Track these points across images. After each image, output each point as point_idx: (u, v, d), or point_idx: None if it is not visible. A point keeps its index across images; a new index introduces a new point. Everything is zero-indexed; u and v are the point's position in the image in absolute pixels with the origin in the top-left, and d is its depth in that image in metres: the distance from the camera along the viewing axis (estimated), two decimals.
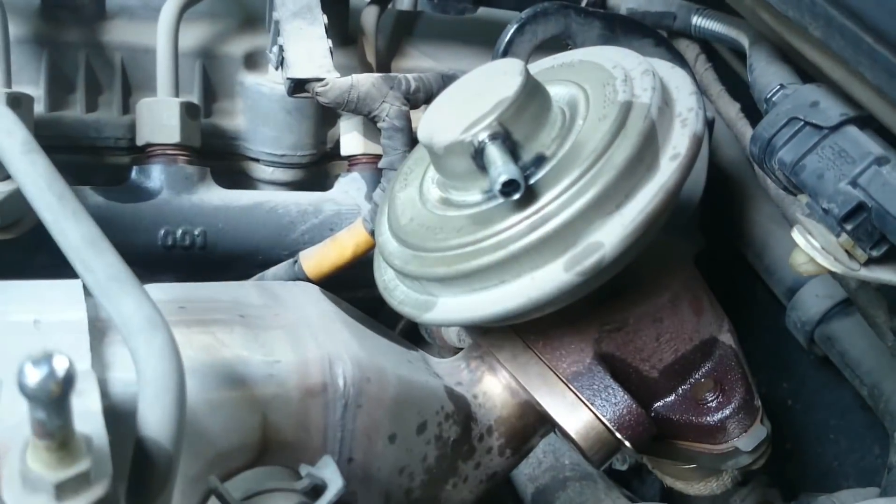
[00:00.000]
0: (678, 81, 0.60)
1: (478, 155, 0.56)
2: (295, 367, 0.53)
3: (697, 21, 0.94)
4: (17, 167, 0.51)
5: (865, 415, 0.95)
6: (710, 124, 0.96)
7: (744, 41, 0.81)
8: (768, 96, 0.65)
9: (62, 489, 0.38)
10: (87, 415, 0.41)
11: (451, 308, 0.57)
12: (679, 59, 0.88)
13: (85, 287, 0.52)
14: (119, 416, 0.44)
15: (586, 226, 0.53)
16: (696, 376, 0.65)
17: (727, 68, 1.01)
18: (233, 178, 0.86)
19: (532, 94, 0.57)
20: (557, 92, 0.61)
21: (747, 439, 0.63)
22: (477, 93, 0.59)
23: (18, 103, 0.72)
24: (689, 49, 0.98)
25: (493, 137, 0.55)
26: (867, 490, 0.95)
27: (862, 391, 0.92)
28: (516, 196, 0.52)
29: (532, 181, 0.56)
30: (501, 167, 0.53)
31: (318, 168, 0.89)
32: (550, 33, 0.80)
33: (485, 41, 0.91)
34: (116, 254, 0.49)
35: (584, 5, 0.92)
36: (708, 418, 0.64)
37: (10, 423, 0.41)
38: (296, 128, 0.85)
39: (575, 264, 0.53)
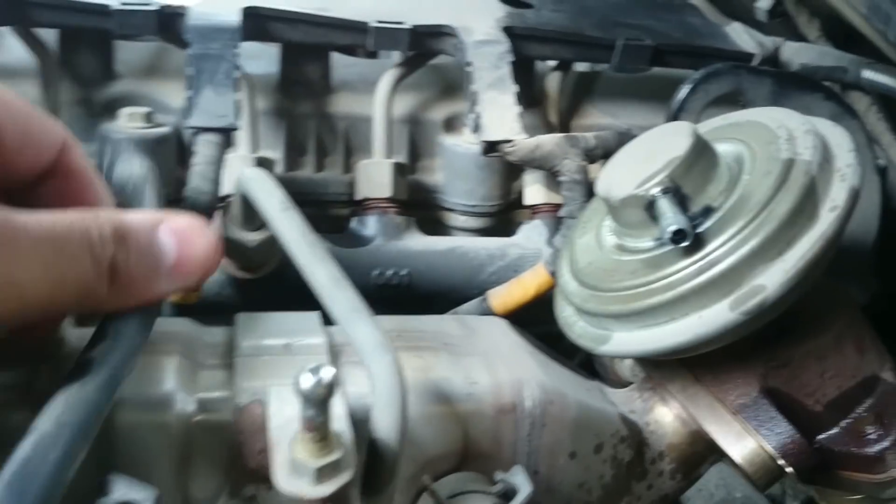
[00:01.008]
0: (838, 139, 0.66)
1: (650, 207, 0.64)
2: (490, 388, 0.63)
3: (867, 74, 0.98)
4: (277, 222, 0.65)
5: None
6: (883, 171, 0.98)
7: None
8: None
9: (321, 473, 0.49)
10: (337, 417, 0.52)
11: (625, 342, 0.65)
12: (849, 111, 0.91)
13: (323, 317, 0.65)
14: (353, 423, 0.54)
15: (750, 270, 0.60)
16: (859, 411, 0.69)
17: None
18: (432, 226, 0.98)
19: (700, 153, 0.65)
20: (725, 149, 0.68)
21: None
22: (650, 152, 0.67)
23: (264, 165, 0.88)
24: (861, 101, 1.01)
25: (664, 192, 0.63)
26: None
27: None
28: (685, 243, 0.60)
29: (700, 230, 0.63)
30: (671, 218, 0.61)
31: (504, 216, 0.99)
32: (722, 91, 0.87)
33: (659, 98, 0.99)
34: (355, 290, 0.61)
35: (756, 63, 0.99)
36: (867, 449, 0.68)
37: (278, 423, 0.53)
38: (486, 181, 0.96)
39: (739, 305, 0.60)
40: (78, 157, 0.53)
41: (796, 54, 1.00)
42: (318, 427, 0.48)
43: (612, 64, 0.97)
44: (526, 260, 0.92)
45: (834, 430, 0.69)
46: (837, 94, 0.91)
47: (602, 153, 0.86)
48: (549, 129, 1.00)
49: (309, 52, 0.96)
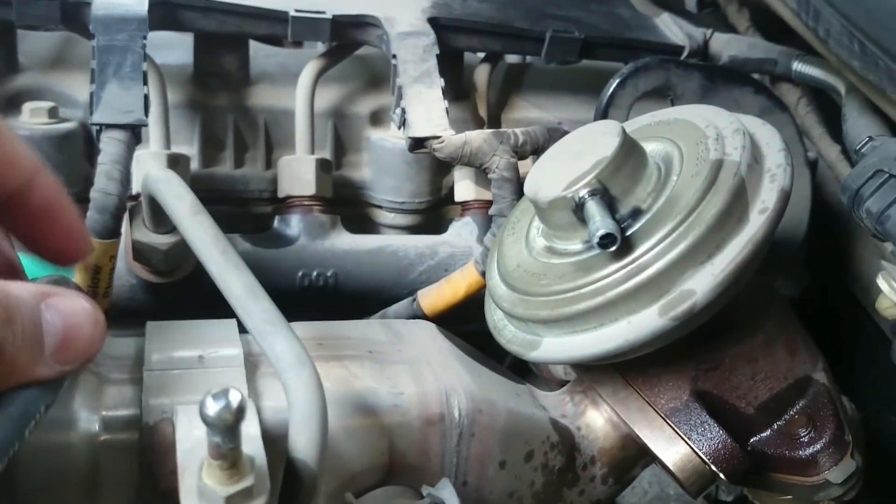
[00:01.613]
0: (768, 138, 0.64)
1: (578, 209, 0.62)
2: (416, 398, 0.61)
3: (797, 66, 0.97)
4: (187, 227, 0.61)
5: None
6: (813, 164, 0.99)
7: (840, 88, 0.84)
8: (857, 147, 0.69)
9: (231, 501, 0.46)
10: (249, 439, 0.49)
11: (555, 348, 0.63)
12: (779, 105, 0.91)
13: (239, 325, 0.62)
14: (270, 440, 0.51)
15: (679, 275, 0.59)
16: (791, 413, 0.68)
17: (835, 108, 1.04)
18: (359, 224, 0.94)
19: (629, 153, 0.63)
20: (654, 148, 0.67)
21: (837, 472, 0.66)
22: (578, 152, 0.65)
23: (177, 162, 0.83)
24: (791, 93, 1.01)
25: (592, 194, 0.61)
26: None
27: None
28: (613, 248, 0.58)
29: (628, 232, 0.61)
30: (599, 222, 0.59)
31: (434, 213, 0.97)
32: (651, 86, 0.86)
33: (590, 90, 0.98)
34: (270, 300, 0.57)
35: (684, 56, 0.98)
36: (800, 452, 0.67)
37: (186, 447, 0.50)
38: (414, 177, 0.93)
39: (669, 310, 0.58)
40: (49, 185, 0.51)
41: (726, 46, 0.99)
42: (225, 454, 0.45)
43: (541, 56, 0.94)
44: (456, 259, 0.89)
45: (766, 433, 0.68)
46: (767, 88, 0.91)
47: (531, 149, 0.84)
48: (478, 123, 0.97)
49: (225, 42, 0.91)
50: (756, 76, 0.95)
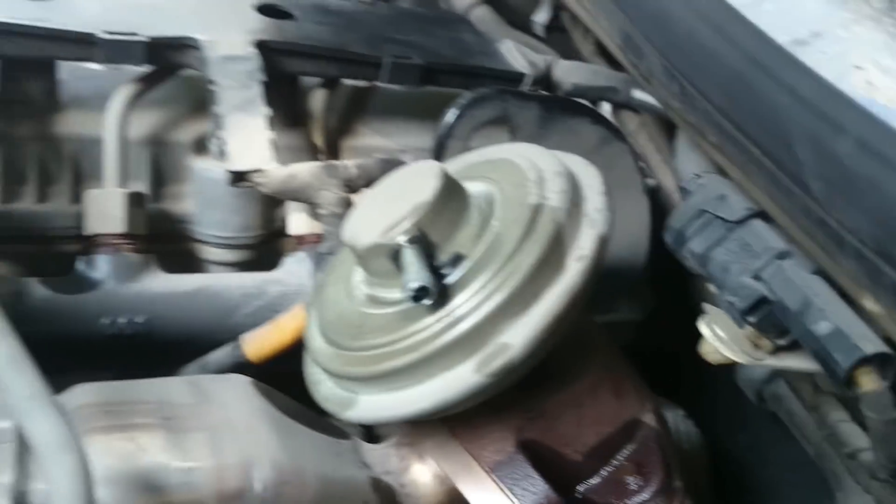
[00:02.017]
0: (590, 180, 0.62)
1: (396, 257, 0.58)
2: (212, 472, 0.55)
3: (637, 94, 0.97)
4: None
5: (817, 471, 0.96)
6: (652, 192, 0.98)
7: (676, 119, 0.84)
8: (683, 185, 0.67)
9: None
10: None
11: (371, 407, 0.59)
12: (617, 135, 0.90)
13: None
14: None
15: (495, 328, 0.55)
16: (619, 458, 0.66)
17: None
18: (182, 262, 0.87)
19: (449, 197, 0.59)
20: (478, 189, 0.64)
21: None
22: (398, 195, 0.61)
23: None
24: (632, 120, 1.00)
25: (410, 241, 0.57)
26: None
27: (809, 450, 0.93)
28: (427, 302, 0.54)
29: (450, 280, 0.57)
30: (414, 273, 0.55)
31: (267, 247, 0.91)
32: (489, 117, 0.83)
33: (435, 115, 0.94)
34: (35, 371, 0.50)
35: (527, 84, 0.96)
36: (627, 500, 0.65)
37: None
38: (243, 210, 0.87)
39: (484, 366, 0.55)
40: None
41: (568, 73, 0.98)
42: None
43: (380, 82, 0.90)
44: (288, 298, 0.84)
45: (595, 480, 0.66)
46: (604, 118, 0.90)
47: (365, 182, 0.79)
48: (314, 151, 0.92)
49: (28, 67, 0.83)
50: (593, 108, 0.94)
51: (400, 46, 0.92)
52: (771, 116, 0.44)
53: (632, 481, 0.65)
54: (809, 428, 0.90)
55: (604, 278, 0.97)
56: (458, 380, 0.55)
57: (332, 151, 0.95)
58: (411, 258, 0.56)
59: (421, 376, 0.56)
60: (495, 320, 0.55)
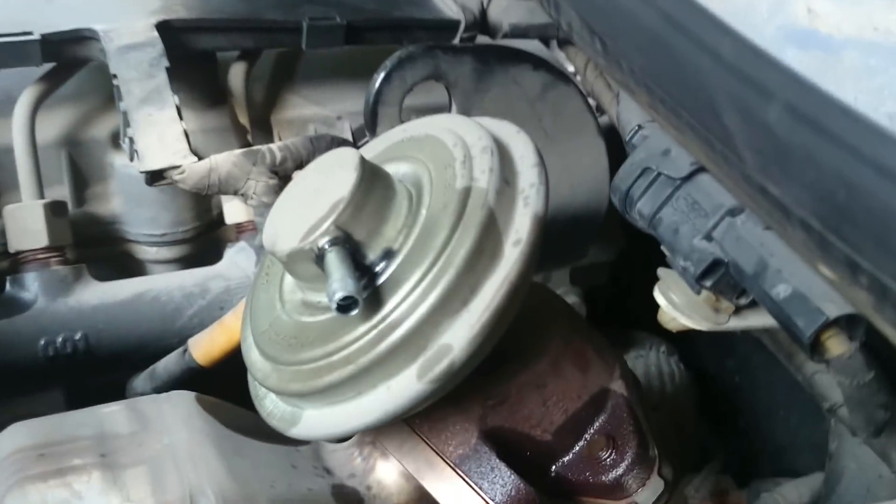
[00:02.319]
0: (522, 150, 0.57)
1: (320, 260, 0.53)
2: None
3: None
4: None
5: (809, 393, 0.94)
6: (607, 131, 0.93)
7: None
8: (628, 138, 0.63)
9: None
10: None
11: (315, 422, 0.55)
12: (561, 78, 0.85)
13: None
14: None
15: (434, 329, 0.51)
16: (591, 432, 0.63)
17: None
18: (118, 264, 0.83)
19: (370, 188, 0.54)
20: (404, 172, 0.59)
21: (646, 493, 0.62)
22: (315, 191, 0.56)
23: None
24: (579, 57, 0.94)
25: (332, 243, 0.52)
26: (811, 478, 0.95)
27: (797, 376, 0.91)
28: (354, 312, 0.50)
29: (380, 280, 0.53)
30: (338, 282, 0.50)
31: (207, 237, 0.86)
32: (420, 77, 0.77)
33: (369, 74, 0.88)
34: None
35: (462, 29, 0.90)
36: (604, 477, 0.63)
37: None
38: (172, 205, 0.82)
39: (427, 371, 0.51)
40: None
41: (505, 13, 0.91)
42: None
43: (303, 48, 0.84)
44: (233, 293, 0.80)
45: (568, 457, 0.63)
46: (546, 62, 0.84)
47: (293, 165, 0.74)
48: (241, 131, 0.86)
49: None
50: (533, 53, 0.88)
51: (318, 6, 0.85)
52: (694, 82, 0.39)
53: (605, 455, 0.63)
54: (798, 357, 0.87)
55: (570, 226, 0.94)
56: (402, 388, 0.52)
57: (262, 127, 0.89)
58: (334, 263, 0.52)
59: (362, 387, 0.53)
60: (432, 321, 0.51)
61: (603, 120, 0.89)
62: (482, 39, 0.92)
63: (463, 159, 0.55)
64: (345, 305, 0.50)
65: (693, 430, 1.00)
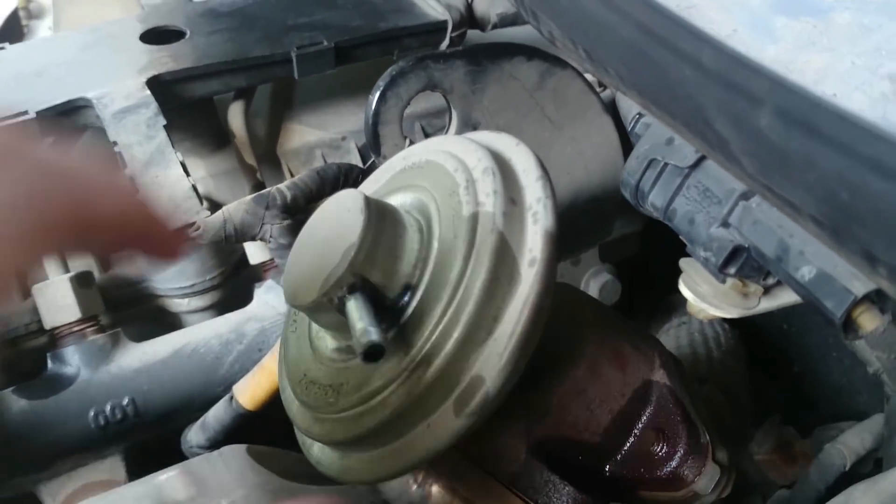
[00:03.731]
0: (525, 163, 0.56)
1: (341, 309, 0.53)
2: None
3: None
4: None
5: None
6: (613, 104, 0.91)
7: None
8: (630, 128, 0.61)
9: None
10: None
11: (363, 466, 0.55)
12: (558, 63, 0.83)
13: None
14: None
15: (464, 362, 0.51)
16: (639, 426, 0.63)
17: None
18: (153, 318, 0.84)
19: (380, 228, 0.54)
20: (411, 202, 0.58)
21: (703, 482, 0.62)
22: (326, 238, 0.56)
23: None
24: (566, 49, 0.92)
25: (350, 290, 0.52)
26: (872, 421, 0.93)
27: None
28: (381, 360, 0.50)
29: (404, 316, 0.53)
30: (360, 332, 0.50)
31: (236, 278, 0.87)
32: (415, 90, 0.77)
33: (367, 88, 0.87)
34: None
35: (451, 28, 0.88)
36: (658, 471, 0.62)
37: None
38: (196, 255, 0.83)
39: (463, 405, 0.51)
40: None
41: (491, 5, 0.90)
42: None
43: (295, 77, 0.84)
44: (268, 333, 0.80)
45: (620, 455, 0.63)
46: (539, 50, 0.82)
47: (305, 200, 0.74)
48: (248, 169, 0.86)
49: None
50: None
51: (303, 32, 0.85)
52: (681, 91, 0.38)
53: (657, 449, 0.62)
54: None
55: (591, 207, 0.92)
56: (442, 426, 0.52)
57: (270, 161, 0.89)
58: (355, 312, 0.51)
59: (403, 429, 0.53)
60: (461, 355, 0.51)
61: (606, 94, 0.87)
62: (473, 35, 0.91)
63: (466, 185, 0.54)
64: (370, 354, 0.50)
65: (747, 396, 0.99)
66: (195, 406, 0.77)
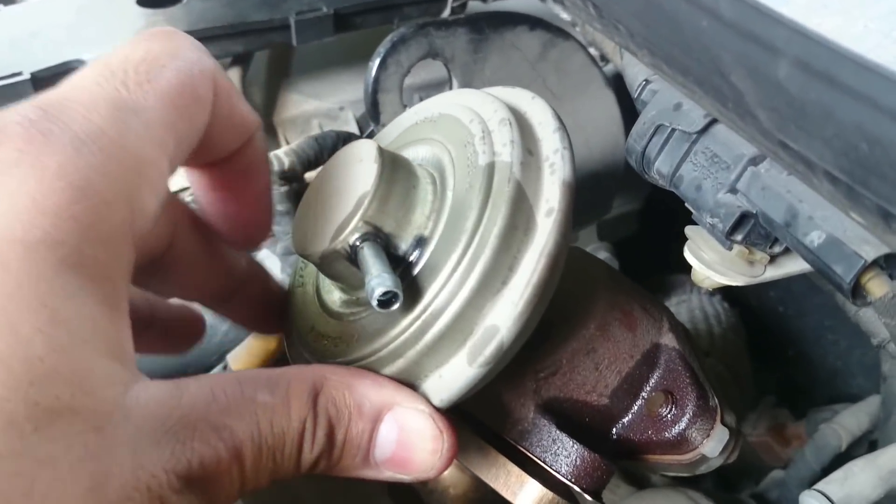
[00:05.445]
0: (541, 116, 0.56)
1: (353, 259, 0.52)
2: None
3: None
4: None
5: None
6: (617, 78, 0.91)
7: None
8: (636, 94, 0.61)
9: None
10: None
11: None
12: (560, 34, 0.83)
13: None
14: None
15: (478, 311, 0.50)
16: (647, 389, 0.63)
17: None
18: None
19: (393, 178, 0.53)
20: (423, 155, 0.58)
21: (711, 445, 0.62)
22: (337, 189, 0.55)
23: None
24: (575, 7, 0.92)
25: (363, 239, 0.52)
26: (868, 402, 0.94)
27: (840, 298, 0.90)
28: (396, 307, 0.49)
29: (416, 269, 0.52)
30: (375, 278, 0.49)
31: None
32: (416, 58, 0.76)
33: (365, 57, 0.87)
34: None
35: (449, 8, 0.88)
36: (667, 433, 0.62)
37: None
38: None
39: (477, 354, 0.50)
40: (260, 147, 0.52)
41: None
42: None
43: (293, 44, 0.83)
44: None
45: (627, 418, 0.62)
46: (542, 21, 0.82)
47: (303, 167, 0.73)
48: None
49: None
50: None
51: None
52: (696, 44, 0.38)
53: (666, 412, 0.62)
54: None
55: (591, 182, 0.92)
56: (454, 375, 0.51)
57: (266, 130, 0.88)
58: (369, 259, 0.51)
59: (414, 379, 0.52)
60: (475, 304, 0.50)
61: (608, 69, 0.87)
62: (474, 5, 0.91)
63: (482, 135, 0.54)
64: (385, 301, 0.49)
65: (748, 370, 0.99)
66: (190, 374, 0.75)
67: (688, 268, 1.12)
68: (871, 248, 0.46)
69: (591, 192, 0.91)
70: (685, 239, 0.85)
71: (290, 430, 0.43)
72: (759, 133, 0.38)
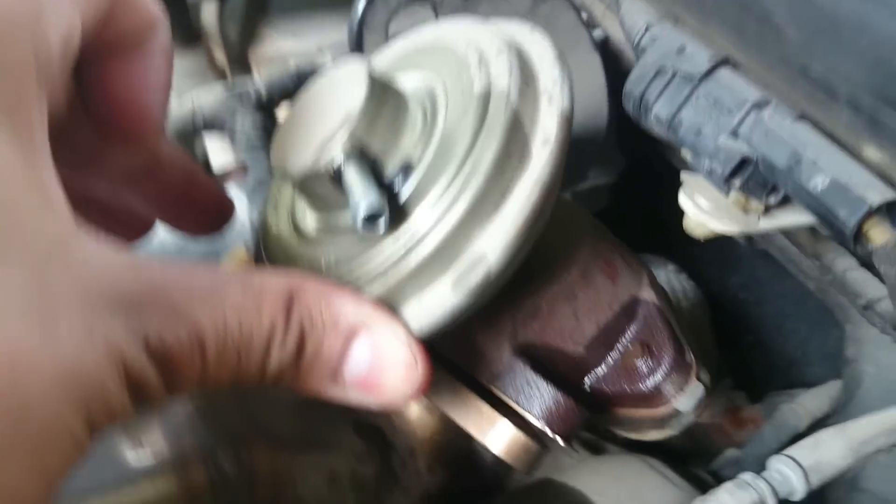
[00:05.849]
0: (540, 49, 0.54)
1: (337, 178, 0.50)
2: None
3: None
4: None
5: (820, 301, 0.93)
6: (603, 44, 0.90)
7: None
8: (636, 42, 0.59)
9: None
10: None
11: None
12: None
13: None
14: None
15: (466, 237, 0.49)
16: (624, 341, 0.62)
17: None
18: None
19: (382, 99, 0.51)
20: (415, 84, 0.56)
21: (685, 399, 0.61)
22: (324, 107, 0.53)
23: None
24: None
25: (348, 157, 0.50)
26: (829, 386, 0.94)
27: (808, 284, 0.90)
28: (381, 228, 0.47)
29: (403, 196, 0.50)
30: (359, 195, 0.48)
31: None
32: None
33: (347, 4, 0.84)
34: None
35: None
36: (641, 385, 0.61)
37: None
38: None
39: (462, 282, 0.49)
40: (163, 43, 0.49)
41: None
42: None
43: None
44: (227, 243, 0.76)
45: (601, 368, 0.62)
46: None
47: (280, 97, 0.71)
48: (218, 71, 0.82)
49: None
50: None
51: None
52: None
53: (641, 363, 0.61)
54: (805, 262, 0.86)
55: (571, 146, 0.91)
56: (436, 302, 0.49)
57: (241, 66, 0.85)
58: (354, 176, 0.49)
59: (394, 304, 0.50)
60: (463, 229, 0.48)
61: (597, 34, 0.86)
62: None
63: (478, 63, 0.52)
64: (369, 221, 0.47)
65: (713, 345, 0.99)
66: None
67: (654, 248, 1.11)
68: (876, 193, 0.45)
69: (568, 156, 0.90)
70: (658, 216, 0.84)
71: (259, 331, 0.40)
72: (779, 60, 0.37)
